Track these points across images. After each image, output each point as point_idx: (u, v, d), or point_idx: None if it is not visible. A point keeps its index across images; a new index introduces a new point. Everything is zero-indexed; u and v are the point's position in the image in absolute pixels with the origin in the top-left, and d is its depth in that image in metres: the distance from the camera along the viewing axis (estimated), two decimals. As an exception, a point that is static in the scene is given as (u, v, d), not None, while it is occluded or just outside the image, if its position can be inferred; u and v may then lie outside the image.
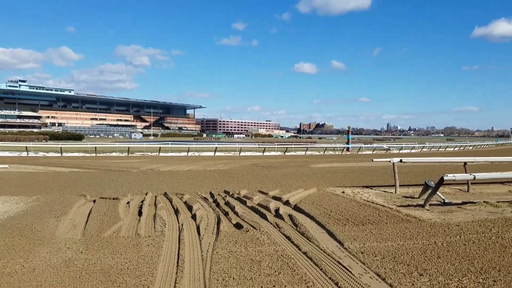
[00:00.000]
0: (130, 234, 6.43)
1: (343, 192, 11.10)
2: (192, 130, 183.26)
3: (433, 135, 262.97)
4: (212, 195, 10.53)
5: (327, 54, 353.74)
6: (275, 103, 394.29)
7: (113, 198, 9.88)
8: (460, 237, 6.20)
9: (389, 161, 11.88)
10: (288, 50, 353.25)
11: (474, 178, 8.98)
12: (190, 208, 8.62)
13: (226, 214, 8.00)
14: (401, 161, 11.73)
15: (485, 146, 62.57)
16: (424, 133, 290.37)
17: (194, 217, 7.71)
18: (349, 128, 51.07)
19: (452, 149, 53.70)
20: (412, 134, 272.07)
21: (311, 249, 5.55)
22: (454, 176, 8.83)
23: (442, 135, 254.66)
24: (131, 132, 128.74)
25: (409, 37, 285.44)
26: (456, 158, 13.87)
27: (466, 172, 11.55)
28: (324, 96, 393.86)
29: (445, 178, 8.57)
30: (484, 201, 9.50)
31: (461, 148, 55.60)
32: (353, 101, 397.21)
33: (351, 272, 4.64)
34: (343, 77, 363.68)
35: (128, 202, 9.38)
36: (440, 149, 52.20)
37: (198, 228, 6.84)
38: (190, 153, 34.34)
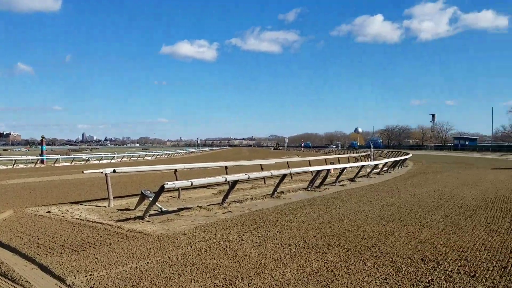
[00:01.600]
0: None
1: (48, 212, 9.27)
2: None
3: (129, 145, 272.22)
4: None
5: (12, 55, 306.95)
6: None
7: None
8: (191, 247, 5.97)
9: (102, 172, 10.83)
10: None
11: (192, 184, 9.16)
12: None
13: None
14: (114, 171, 10.91)
15: (178, 154, 69.48)
16: (120, 143, 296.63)
17: None
18: (43, 138, 45.83)
19: (150, 157, 56.68)
20: (109, 144, 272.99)
21: (19, 300, 3.99)
22: (174, 183, 8.73)
23: (137, 145, 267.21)
24: None
25: (100, 47, 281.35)
26: (168, 166, 14.17)
27: (177, 179, 11.86)
28: (9, 102, 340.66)
29: (166, 186, 8.32)
30: (197, 206, 9.90)
31: (158, 156, 59.54)
32: (44, 109, 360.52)
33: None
34: (32, 82, 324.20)
35: None
36: (139, 158, 54.07)
37: None
38: None
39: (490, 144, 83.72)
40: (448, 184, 14.59)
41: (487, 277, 4.38)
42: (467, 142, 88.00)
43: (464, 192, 12.22)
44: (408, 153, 32.32)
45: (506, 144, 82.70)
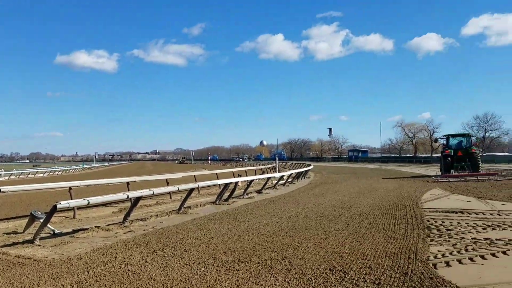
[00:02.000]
0: None
1: None
2: None
3: (19, 161, 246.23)
4: None
5: None
6: None
7: None
8: (88, 272, 5.38)
9: (-17, 192, 9.48)
10: None
11: (88, 203, 8.40)
12: None
13: None
14: (0, 190, 9.62)
15: (73, 171, 64.46)
16: (8, 159, 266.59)
17: None
18: None
19: (42, 174, 51.80)
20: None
21: None
22: (68, 203, 7.90)
23: (28, 161, 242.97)
24: None
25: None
26: (61, 183, 12.91)
27: (72, 197, 10.85)
28: None
29: (58, 206, 7.50)
30: (95, 226, 9.13)
31: (51, 173, 54.60)
32: None
33: None
34: None
35: None
36: (29, 176, 49.13)
37: None
38: None
39: (380, 155, 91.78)
40: (347, 194, 15.47)
41: (391, 284, 4.57)
42: (360, 154, 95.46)
43: (361, 200, 13.02)
44: (310, 165, 33.94)
45: (393, 155, 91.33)
